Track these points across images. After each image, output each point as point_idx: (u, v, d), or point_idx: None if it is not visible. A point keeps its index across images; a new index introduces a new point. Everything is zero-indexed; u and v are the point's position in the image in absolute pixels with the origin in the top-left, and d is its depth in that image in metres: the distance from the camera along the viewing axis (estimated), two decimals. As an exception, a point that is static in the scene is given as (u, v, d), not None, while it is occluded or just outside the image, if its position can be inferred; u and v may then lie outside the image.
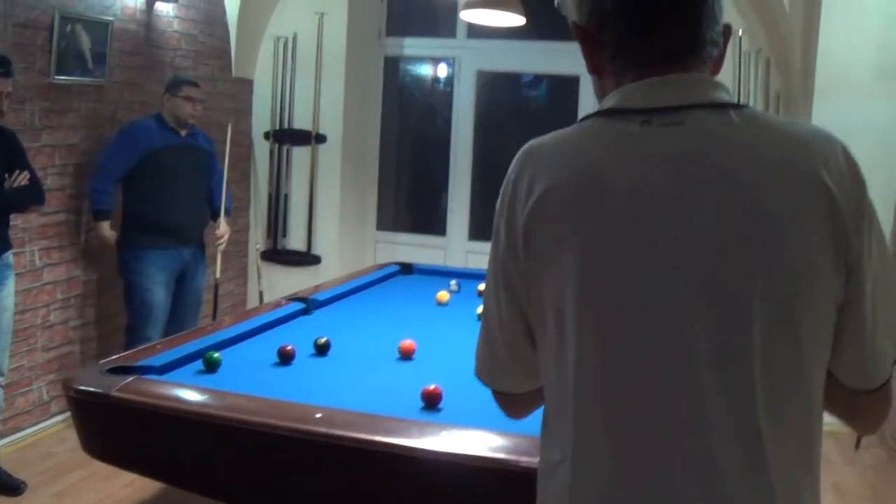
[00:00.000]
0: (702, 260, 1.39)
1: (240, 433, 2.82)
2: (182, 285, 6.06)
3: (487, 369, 1.73)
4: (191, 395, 3.04)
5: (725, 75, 7.12)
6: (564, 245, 1.45)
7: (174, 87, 5.87)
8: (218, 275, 6.43)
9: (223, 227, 6.35)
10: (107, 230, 5.71)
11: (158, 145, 5.79)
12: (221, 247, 6.39)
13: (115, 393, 2.98)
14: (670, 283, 1.40)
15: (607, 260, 1.43)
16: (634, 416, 1.42)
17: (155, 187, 5.80)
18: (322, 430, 2.71)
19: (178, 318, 6.00)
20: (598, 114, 1.52)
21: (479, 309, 4.61)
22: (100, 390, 3.02)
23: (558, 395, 1.52)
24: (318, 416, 2.78)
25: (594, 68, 1.59)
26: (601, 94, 1.59)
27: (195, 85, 5.97)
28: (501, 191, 1.57)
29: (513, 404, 1.78)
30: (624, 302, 1.42)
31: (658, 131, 1.45)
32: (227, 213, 6.43)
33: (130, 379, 3.11)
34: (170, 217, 5.85)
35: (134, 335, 5.71)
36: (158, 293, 5.81)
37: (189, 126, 5.99)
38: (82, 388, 3.08)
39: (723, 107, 1.47)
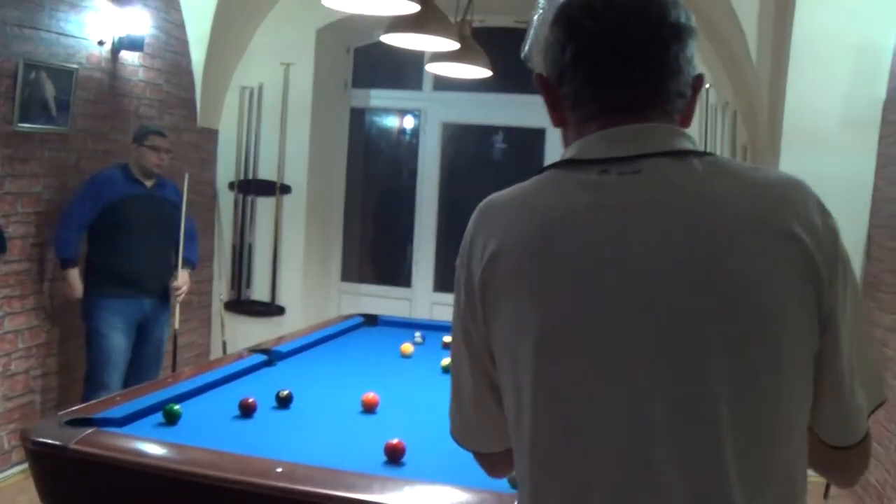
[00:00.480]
0: (660, 319, 1.35)
1: (200, 488, 2.78)
2: (143, 335, 6.02)
3: (460, 430, 1.71)
4: (150, 449, 3.00)
5: (692, 128, 7.19)
6: (518, 304, 1.44)
7: (140, 136, 5.87)
8: (177, 325, 6.35)
9: (181, 279, 6.27)
10: (75, 277, 5.70)
11: (122, 195, 5.79)
12: (179, 298, 6.31)
13: (73, 446, 2.93)
14: (628, 344, 1.36)
15: (561, 321, 1.40)
16: (591, 488, 1.38)
17: (117, 237, 5.79)
18: (283, 484, 2.67)
19: (139, 369, 5.96)
20: (557, 165, 1.52)
21: (445, 361, 4.62)
22: (58, 442, 2.96)
23: (518, 458, 1.51)
24: (279, 470, 2.75)
25: (559, 120, 1.59)
26: (565, 146, 1.58)
27: (161, 135, 5.96)
28: (461, 247, 1.58)
29: (490, 463, 1.75)
30: (580, 367, 1.39)
31: (616, 180, 1.42)
32: (192, 264, 6.40)
33: (89, 431, 3.05)
34: (130, 267, 5.84)
35: (92, 382, 5.70)
36: (117, 340, 5.78)
37: (155, 176, 5.98)
38: (40, 439, 3.02)
39: (684, 154, 1.44)
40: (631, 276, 1.37)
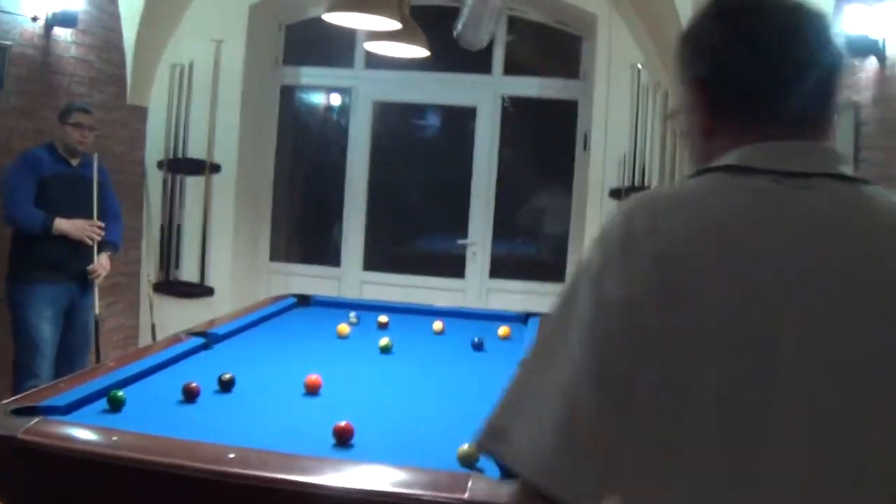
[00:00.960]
0: (833, 343, 1.29)
1: (152, 475, 2.77)
2: (70, 321, 5.97)
3: (562, 466, 1.34)
4: (99, 437, 2.98)
5: (623, 109, 7.30)
6: (691, 304, 1.32)
7: (65, 114, 5.82)
8: (97, 310, 6.26)
9: (98, 261, 6.05)
10: (62, 222, 5.68)
11: (47, 174, 5.73)
12: (97, 281, 6.14)
13: (21, 435, 2.90)
14: (805, 361, 1.28)
15: (738, 322, 1.30)
16: None
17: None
18: (236, 470, 2.68)
19: (69, 355, 5.93)
20: (716, 169, 1.44)
21: (383, 341, 4.65)
22: (5, 433, 2.94)
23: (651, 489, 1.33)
24: (232, 456, 2.75)
25: (708, 127, 1.51)
26: (703, 157, 1.52)
27: (86, 111, 5.91)
28: (602, 244, 1.41)
29: None
30: (757, 377, 1.29)
31: (789, 192, 1.36)
32: (113, 246, 6.27)
33: (36, 420, 3.03)
34: (56, 250, 5.75)
35: (22, 371, 5.65)
36: (45, 329, 5.73)
37: (81, 155, 5.92)
38: (-14, 429, 3.01)
39: (851, 180, 1.40)
40: (808, 292, 1.30)
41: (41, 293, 5.68)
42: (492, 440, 1.43)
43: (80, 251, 5.92)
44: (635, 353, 1.32)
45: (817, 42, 1.44)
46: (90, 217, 5.97)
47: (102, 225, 5.89)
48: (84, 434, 3.03)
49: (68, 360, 5.84)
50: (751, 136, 1.43)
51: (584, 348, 1.35)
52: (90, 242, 5.74)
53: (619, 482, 1.33)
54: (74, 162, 5.89)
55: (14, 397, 3.48)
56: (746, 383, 1.28)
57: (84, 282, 6.02)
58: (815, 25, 1.45)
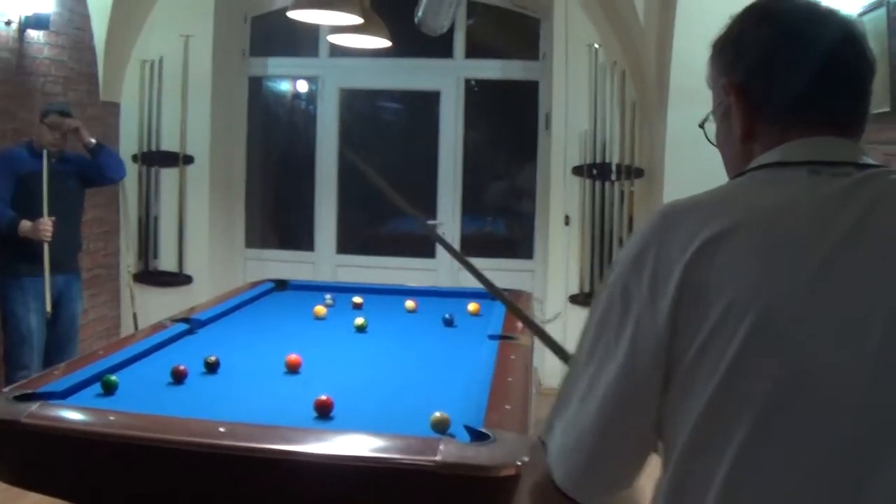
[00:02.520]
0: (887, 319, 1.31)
1: (149, 451, 2.98)
2: (59, 313, 6.06)
3: (585, 473, 1.47)
4: (98, 417, 3.18)
5: (582, 88, 7.49)
6: (740, 291, 1.33)
7: (43, 114, 5.94)
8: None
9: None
10: (27, 224, 5.71)
11: (25, 172, 5.84)
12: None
13: (24, 420, 3.08)
14: (867, 324, 1.31)
15: (795, 306, 1.32)
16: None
17: (24, 215, 5.76)
18: (227, 442, 2.90)
19: (58, 345, 6.08)
20: (754, 169, 1.49)
21: (358, 321, 4.86)
22: (9, 417, 3.12)
23: (695, 478, 1.37)
24: (222, 430, 2.97)
25: (745, 133, 1.53)
26: (739, 162, 1.55)
27: (62, 114, 5.99)
28: (635, 248, 1.44)
29: None
30: (815, 353, 1.32)
31: (829, 180, 1.41)
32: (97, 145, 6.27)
33: (37, 405, 3.22)
34: (39, 244, 5.81)
35: (11, 363, 5.83)
36: (32, 321, 5.87)
37: (59, 153, 6.02)
38: (-10, 416, 3.19)
39: (886, 171, 1.45)
40: (862, 270, 1.34)
41: (27, 286, 5.83)
42: (544, 433, 1.51)
43: (64, 243, 6.03)
44: (647, 356, 1.38)
45: (860, 50, 1.50)
46: (75, 212, 6.22)
47: (51, 221, 5.80)
48: (83, 415, 3.24)
49: (57, 351, 5.99)
50: (791, 136, 1.47)
51: (601, 347, 1.43)
52: (46, 239, 5.75)
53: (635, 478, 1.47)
54: (53, 159, 5.98)
55: (13, 385, 3.68)
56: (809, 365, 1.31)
57: (71, 273, 6.20)
58: (856, 34, 1.50)
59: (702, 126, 1.69)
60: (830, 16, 1.50)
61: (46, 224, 5.75)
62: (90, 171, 6.29)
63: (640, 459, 1.47)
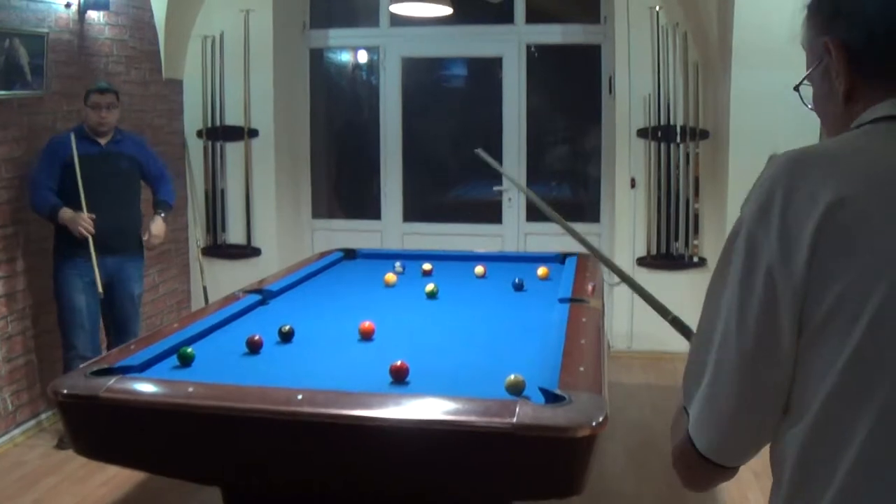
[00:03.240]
0: None
1: (226, 420, 3.01)
2: (114, 294, 6.01)
3: (727, 439, 1.50)
4: (177, 389, 3.22)
5: (644, 51, 7.41)
6: (869, 254, 1.31)
7: (85, 96, 5.91)
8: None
9: (154, 227, 6.22)
10: (68, 212, 5.67)
11: (80, 155, 5.76)
12: (156, 243, 6.35)
13: (103, 394, 3.13)
14: None
15: None
16: None
17: (74, 198, 5.72)
18: (306, 409, 2.93)
19: (116, 327, 6.14)
20: (873, 121, 1.44)
21: (429, 287, 4.87)
22: (88, 393, 3.16)
23: (823, 451, 1.36)
24: (300, 397, 2.99)
25: (846, 92, 1.50)
26: (840, 123, 1.52)
27: (101, 91, 5.91)
28: (757, 203, 1.41)
29: (720, 478, 1.57)
30: None
31: None
32: (167, 206, 6.34)
33: (114, 379, 3.26)
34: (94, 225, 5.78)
35: (63, 342, 5.86)
36: (79, 301, 5.83)
37: (110, 133, 5.98)
38: (70, 391, 3.21)
39: None
40: None
41: (76, 267, 5.79)
42: (685, 399, 1.53)
43: (118, 224, 5.96)
44: (790, 309, 1.36)
45: None
46: (130, 194, 6.15)
47: (92, 217, 5.72)
48: (161, 388, 3.28)
49: (119, 332, 6.03)
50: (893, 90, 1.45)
51: (733, 309, 1.41)
52: (84, 235, 5.67)
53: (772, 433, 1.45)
54: (103, 141, 5.93)
55: (90, 360, 3.73)
56: None
57: (127, 254, 6.06)
58: None
59: (797, 89, 1.66)
60: None
61: (85, 220, 5.69)
62: (146, 174, 6.28)
63: (779, 413, 1.44)
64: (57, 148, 5.79)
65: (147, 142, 6.50)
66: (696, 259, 7.57)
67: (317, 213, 8.93)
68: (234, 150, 8.19)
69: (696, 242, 7.55)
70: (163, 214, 6.29)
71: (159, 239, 6.31)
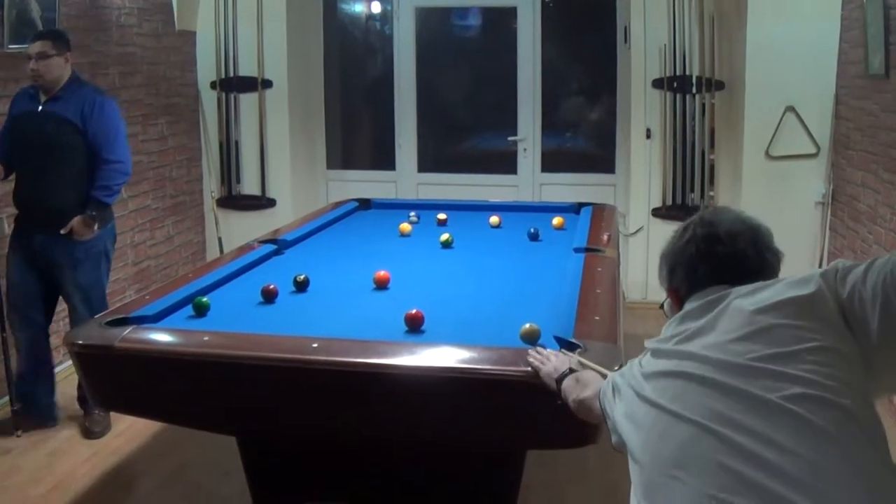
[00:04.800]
0: None
1: (241, 369, 3.02)
2: (51, 278, 5.17)
3: None
4: (191, 338, 3.23)
5: (660, 2, 7.35)
6: None
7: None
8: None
9: (73, 223, 5.02)
10: None
11: (15, 113, 5.14)
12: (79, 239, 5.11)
13: (118, 344, 3.13)
14: None
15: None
16: None
17: (10, 161, 5.10)
18: (321, 357, 2.93)
19: (71, 311, 5.28)
20: None
21: (444, 236, 4.86)
22: (103, 343, 3.17)
23: None
24: (315, 345, 3.00)
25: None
26: None
27: (38, 38, 5.03)
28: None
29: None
30: None
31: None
32: (96, 204, 5.11)
33: (129, 329, 3.27)
34: (18, 195, 5.17)
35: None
36: (13, 275, 5.15)
37: (50, 90, 5.05)
38: (86, 342, 3.24)
39: None
40: None
41: (16, 239, 5.18)
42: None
43: (43, 197, 5.04)
44: None
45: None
46: (61, 164, 5.06)
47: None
48: (176, 337, 3.29)
49: (72, 321, 5.23)
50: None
51: None
52: None
53: None
54: (43, 99, 5.06)
55: (105, 311, 3.73)
56: None
57: (58, 236, 5.01)
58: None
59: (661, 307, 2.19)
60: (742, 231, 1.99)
61: (77, 224, 5.01)
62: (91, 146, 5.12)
63: None
64: (12, 104, 5.21)
65: (109, 106, 5.24)
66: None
67: (331, 164, 8.88)
68: (248, 101, 8.14)
69: (711, 193, 7.50)
70: (90, 213, 5.08)
71: (80, 238, 5.09)
